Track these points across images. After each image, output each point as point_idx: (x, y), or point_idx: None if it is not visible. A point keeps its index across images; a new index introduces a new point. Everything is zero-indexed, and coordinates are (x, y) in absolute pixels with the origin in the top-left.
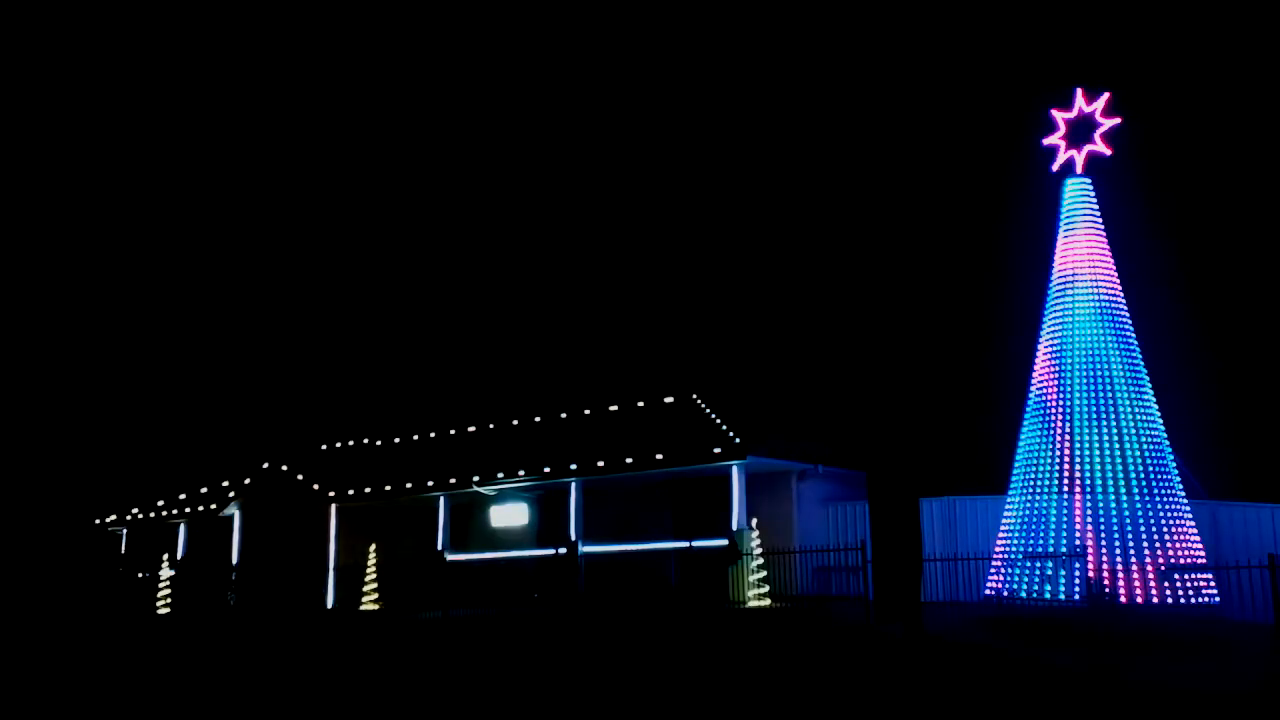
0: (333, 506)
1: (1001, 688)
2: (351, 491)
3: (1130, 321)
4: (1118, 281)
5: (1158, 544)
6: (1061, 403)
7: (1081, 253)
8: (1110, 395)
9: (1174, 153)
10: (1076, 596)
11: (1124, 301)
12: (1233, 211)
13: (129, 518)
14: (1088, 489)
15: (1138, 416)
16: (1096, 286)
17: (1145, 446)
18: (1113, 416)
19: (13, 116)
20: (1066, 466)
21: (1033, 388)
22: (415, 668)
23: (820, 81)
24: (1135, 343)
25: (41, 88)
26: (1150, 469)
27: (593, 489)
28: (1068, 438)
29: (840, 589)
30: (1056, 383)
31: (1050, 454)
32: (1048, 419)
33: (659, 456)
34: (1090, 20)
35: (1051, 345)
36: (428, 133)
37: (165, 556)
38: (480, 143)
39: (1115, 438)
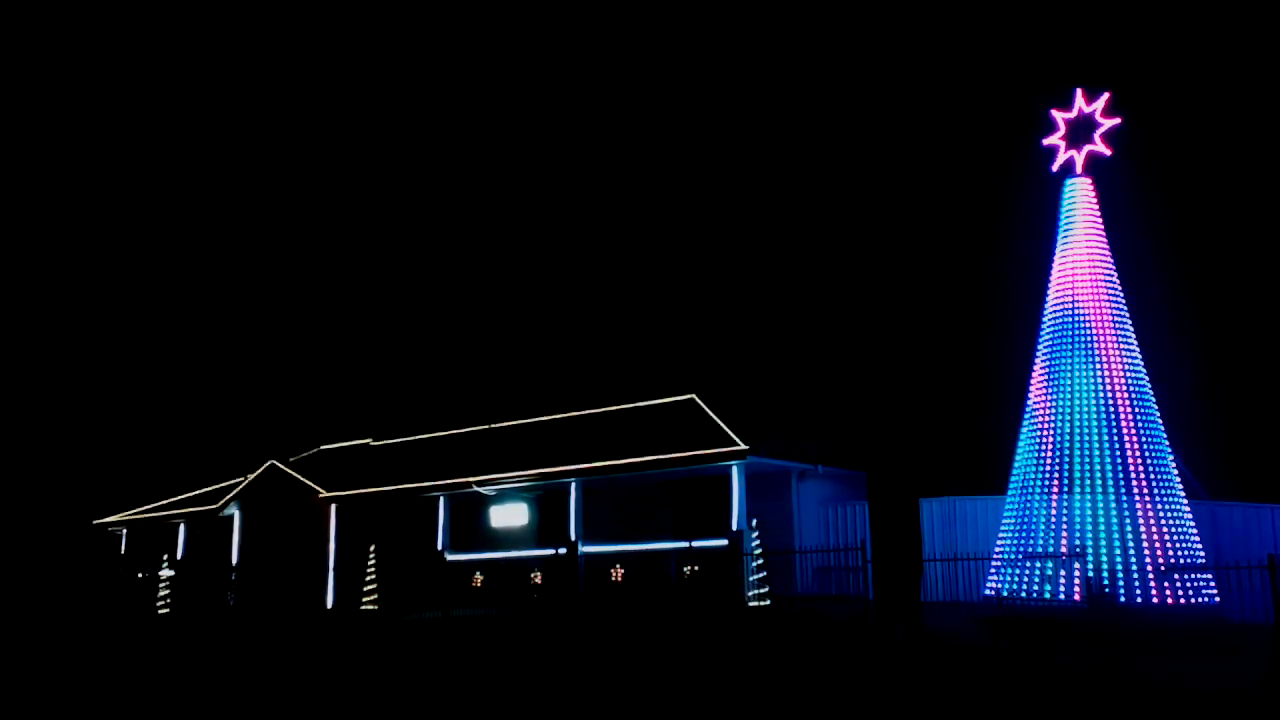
0: (333, 506)
1: (1001, 687)
2: (351, 491)
3: (1130, 322)
4: (1117, 283)
5: (1158, 544)
6: (1059, 406)
7: (1080, 255)
8: (1109, 396)
9: (1174, 153)
10: (1077, 596)
11: (1123, 303)
12: (1232, 211)
13: (129, 518)
14: (1087, 490)
15: (1136, 418)
16: (1095, 289)
17: (1145, 448)
18: (1111, 417)
19: (14, 117)
20: (1066, 468)
21: (1032, 389)
22: (415, 668)
23: (822, 83)
24: (1135, 344)
25: (42, 88)
26: (1150, 470)
27: (593, 489)
28: (1066, 439)
29: (840, 589)
30: (1055, 385)
31: (1049, 456)
32: (1045, 422)
33: (659, 457)
34: (1090, 20)
35: (1050, 346)
36: (429, 133)
37: (165, 556)
38: (482, 144)
39: (1114, 439)
